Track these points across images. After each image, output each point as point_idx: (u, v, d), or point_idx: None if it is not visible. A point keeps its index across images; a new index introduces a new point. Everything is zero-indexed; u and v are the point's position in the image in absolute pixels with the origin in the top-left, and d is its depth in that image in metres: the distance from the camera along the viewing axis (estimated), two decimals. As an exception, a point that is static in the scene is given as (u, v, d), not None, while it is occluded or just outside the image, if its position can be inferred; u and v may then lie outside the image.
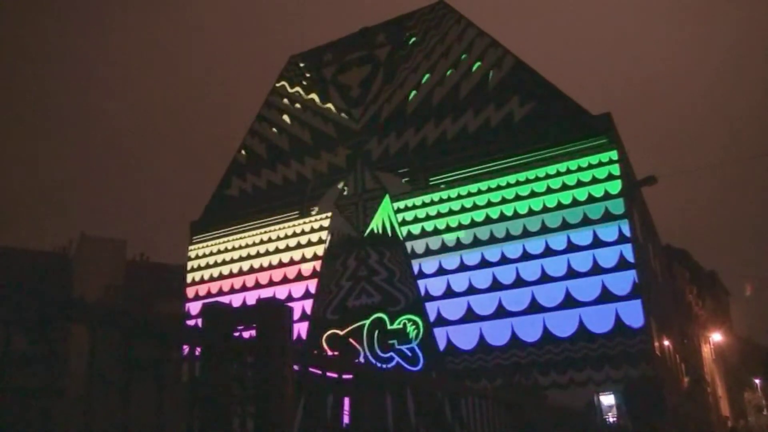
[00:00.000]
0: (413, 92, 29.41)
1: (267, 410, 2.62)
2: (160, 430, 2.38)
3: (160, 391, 2.40)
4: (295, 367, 2.87)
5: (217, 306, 2.75)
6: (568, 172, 24.57)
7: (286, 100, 33.45)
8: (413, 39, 30.33)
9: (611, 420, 20.55)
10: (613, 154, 24.24)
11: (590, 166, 24.28)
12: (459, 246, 25.87)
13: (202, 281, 32.17)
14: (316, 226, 29.68)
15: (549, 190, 24.72)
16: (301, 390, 3.13)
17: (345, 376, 3.49)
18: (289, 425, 2.64)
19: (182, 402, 2.52)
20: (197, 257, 32.90)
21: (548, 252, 24.08)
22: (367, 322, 26.55)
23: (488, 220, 25.55)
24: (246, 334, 2.68)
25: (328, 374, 3.29)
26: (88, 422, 2.15)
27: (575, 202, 24.13)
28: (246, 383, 2.64)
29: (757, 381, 66.41)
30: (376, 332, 26.27)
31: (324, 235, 29.29)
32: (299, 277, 29.25)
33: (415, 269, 26.55)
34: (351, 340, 26.63)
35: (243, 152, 33.96)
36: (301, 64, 33.76)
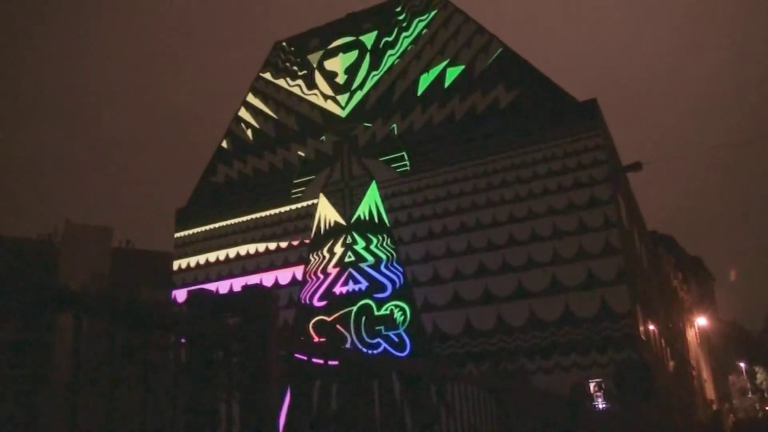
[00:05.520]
0: (399, 78, 29.34)
1: (253, 396, 2.62)
2: (145, 418, 2.38)
3: (145, 378, 2.40)
4: (282, 354, 2.88)
5: (203, 292, 2.75)
6: (554, 158, 24.63)
7: (271, 87, 33.28)
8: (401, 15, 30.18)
9: (601, 405, 20.65)
10: (599, 140, 24.31)
11: (576, 152, 24.34)
12: (446, 232, 25.92)
13: (188, 268, 32.09)
14: (302, 212, 29.64)
15: (535, 176, 24.78)
16: (288, 376, 3.14)
17: (331, 362, 3.50)
18: (275, 411, 2.65)
19: (167, 389, 2.52)
20: (183, 244, 32.79)
21: (534, 238, 24.18)
22: (354, 308, 26.60)
23: (474, 207, 25.61)
24: (232, 321, 2.69)
25: (315, 360, 3.30)
26: (73, 410, 2.15)
27: (561, 188, 24.20)
28: (232, 370, 2.65)
29: (741, 364, 67.12)
30: (363, 318, 26.33)
31: (310, 221, 29.27)
32: (286, 263, 29.24)
33: (402, 255, 26.60)
34: (338, 326, 26.69)
35: (229, 139, 33.80)
36: (287, 50, 33.59)
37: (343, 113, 30.37)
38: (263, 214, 30.70)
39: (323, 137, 30.44)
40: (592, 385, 21.74)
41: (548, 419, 7.65)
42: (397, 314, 25.84)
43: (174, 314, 2.44)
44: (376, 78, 30.04)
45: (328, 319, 27.00)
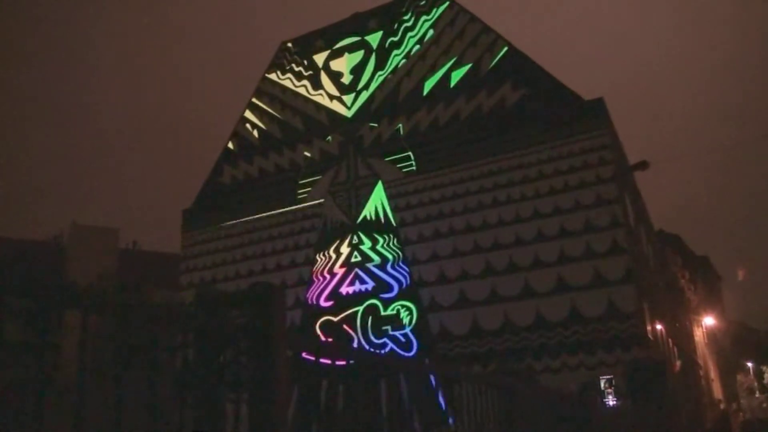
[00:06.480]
0: (405, 78, 29.31)
1: (261, 396, 2.61)
2: (153, 418, 2.37)
3: (153, 377, 2.39)
4: (289, 353, 2.86)
5: (211, 290, 2.73)
6: (561, 157, 24.57)
7: (277, 88, 33.29)
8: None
9: (611, 402, 20.58)
10: (606, 139, 24.24)
11: (582, 151, 24.27)
12: (452, 232, 25.88)
13: (195, 269, 32.12)
14: (308, 213, 29.63)
15: (541, 176, 24.72)
16: (296, 375, 3.12)
17: (339, 362, 3.48)
18: (283, 411, 2.63)
19: (175, 388, 2.51)
20: (190, 245, 32.83)
21: (541, 237, 24.12)
22: (361, 308, 26.59)
23: (481, 206, 25.56)
24: (240, 318, 2.67)
25: (322, 360, 3.28)
26: (80, 410, 2.14)
27: (567, 188, 24.14)
28: (240, 368, 2.63)
29: (749, 364, 66.93)
30: (370, 318, 26.31)
31: (316, 222, 29.26)
32: (292, 264, 29.24)
33: (409, 255, 26.57)
34: (345, 326, 26.67)
35: (235, 140, 33.82)
36: (293, 51, 33.59)
37: (348, 113, 30.35)
38: (269, 214, 30.71)
39: (329, 138, 30.44)
40: (602, 382, 21.67)
41: (556, 419, 7.63)
42: (404, 314, 25.81)
43: (182, 311, 2.43)
44: (381, 78, 30.01)
45: (335, 320, 26.99)
